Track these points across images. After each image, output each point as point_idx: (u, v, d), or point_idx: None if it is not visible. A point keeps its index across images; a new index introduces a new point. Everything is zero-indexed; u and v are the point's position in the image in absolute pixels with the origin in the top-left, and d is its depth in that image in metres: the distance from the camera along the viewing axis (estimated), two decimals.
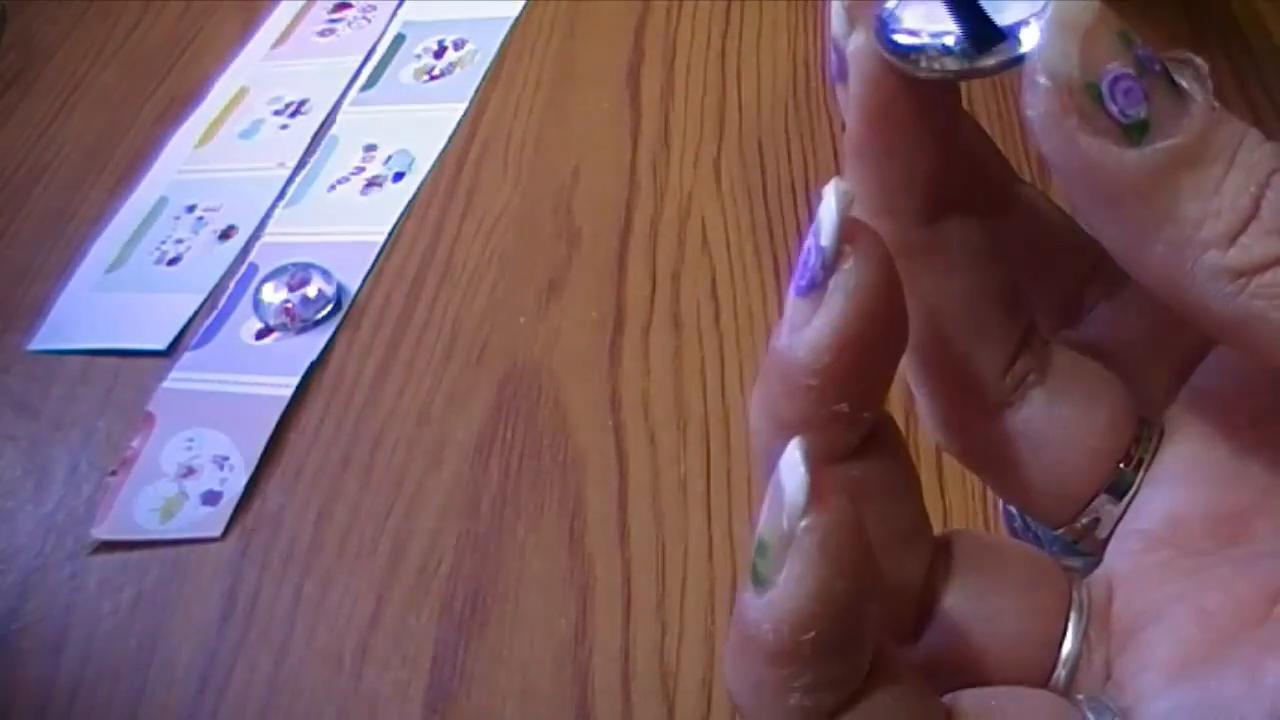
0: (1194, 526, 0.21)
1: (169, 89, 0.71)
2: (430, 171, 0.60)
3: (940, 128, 0.20)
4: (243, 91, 0.69)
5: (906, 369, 0.22)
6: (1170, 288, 0.18)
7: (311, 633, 0.42)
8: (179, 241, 0.60)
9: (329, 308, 0.54)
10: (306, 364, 0.52)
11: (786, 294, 0.19)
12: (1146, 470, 0.22)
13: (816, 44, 0.63)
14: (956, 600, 0.21)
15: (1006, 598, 0.22)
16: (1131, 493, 0.22)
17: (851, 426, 0.19)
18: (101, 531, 0.47)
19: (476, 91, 0.65)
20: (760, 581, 0.17)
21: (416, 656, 0.41)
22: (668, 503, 0.44)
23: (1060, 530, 0.23)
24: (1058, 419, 0.22)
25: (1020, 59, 0.18)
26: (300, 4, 0.75)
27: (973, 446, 0.23)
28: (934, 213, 0.21)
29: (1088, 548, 0.23)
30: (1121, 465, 0.22)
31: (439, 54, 0.68)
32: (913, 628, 0.21)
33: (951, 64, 0.18)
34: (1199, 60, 0.38)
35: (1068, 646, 0.21)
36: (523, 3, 0.70)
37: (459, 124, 0.63)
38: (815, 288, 0.19)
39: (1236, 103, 0.53)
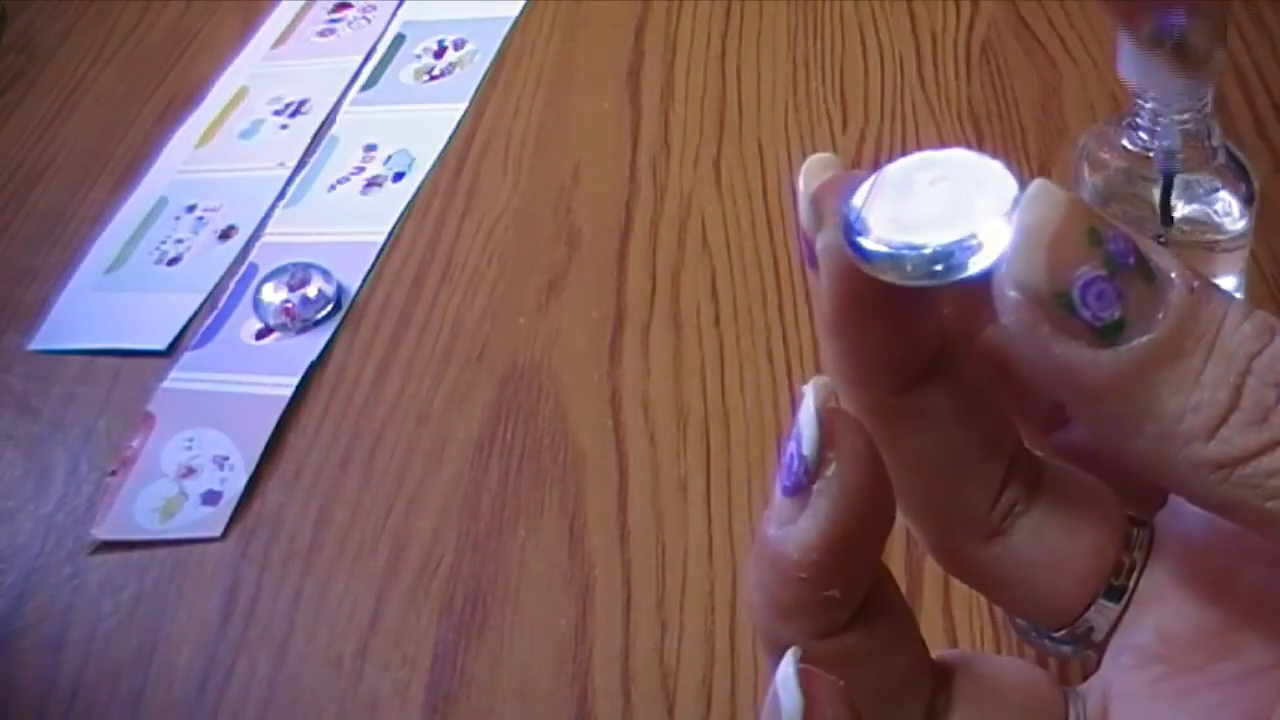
0: (1184, 642, 0.21)
1: (169, 89, 0.71)
2: (430, 171, 0.61)
3: (910, 311, 0.20)
4: (243, 91, 0.69)
5: (897, 505, 0.22)
6: (1156, 476, 0.18)
7: (311, 633, 0.42)
8: (179, 241, 0.60)
9: (329, 308, 0.54)
10: (306, 364, 0.52)
11: (774, 482, 0.20)
12: (1139, 576, 0.22)
13: (817, 44, 0.63)
14: None
15: None
16: (1125, 599, 0.22)
17: (844, 606, 0.20)
18: (101, 531, 0.47)
19: (476, 91, 0.65)
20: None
21: (416, 656, 0.41)
22: (668, 503, 0.44)
23: (1060, 633, 0.23)
24: (1044, 547, 0.22)
25: (989, 272, 0.17)
26: (300, 4, 0.75)
27: (965, 572, 0.23)
28: (909, 381, 0.21)
29: (1087, 647, 0.23)
30: (1112, 578, 0.22)
31: (439, 54, 0.68)
32: None
33: (915, 277, 0.18)
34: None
35: None
36: (523, 3, 0.70)
37: (459, 124, 0.63)
38: (800, 489, 0.19)
39: (1238, 103, 0.53)
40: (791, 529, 0.19)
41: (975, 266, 0.17)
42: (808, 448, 0.19)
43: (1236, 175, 0.38)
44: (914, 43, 0.61)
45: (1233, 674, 0.20)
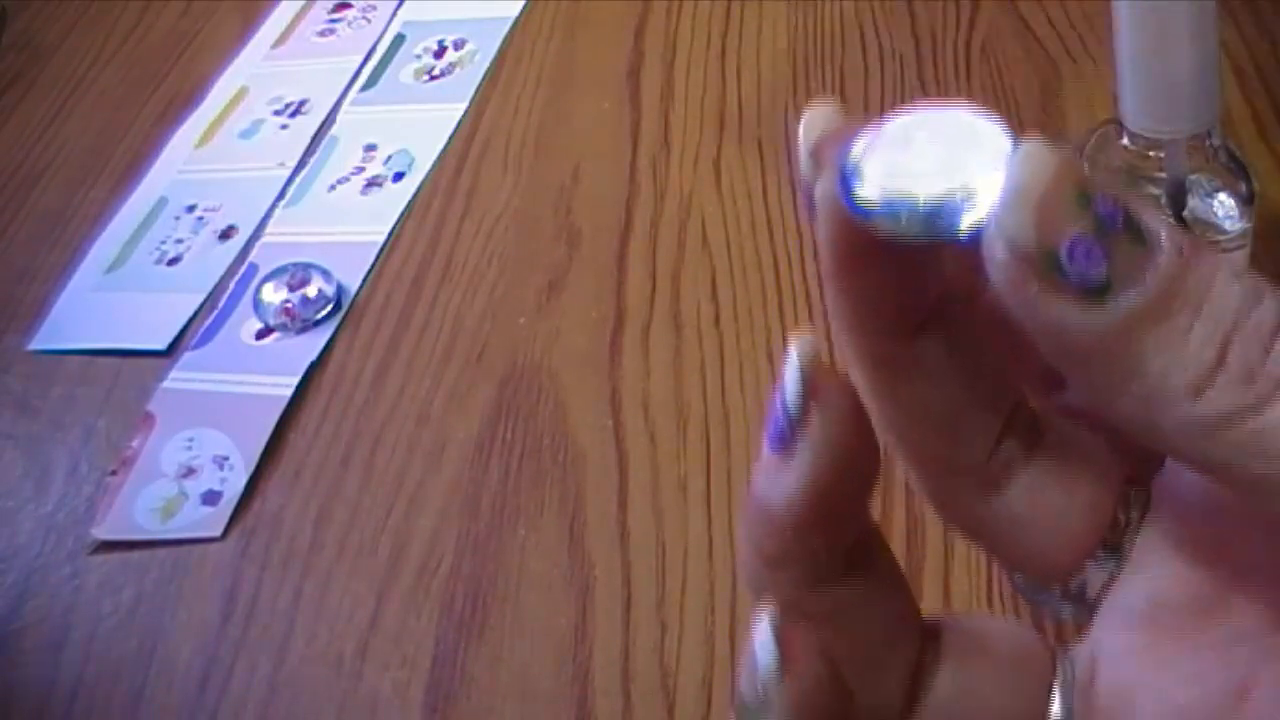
0: (1174, 604, 0.22)
1: (169, 89, 0.71)
2: (430, 171, 0.60)
3: (908, 262, 0.20)
4: (243, 91, 0.69)
5: (896, 456, 0.23)
6: (1144, 436, 0.18)
7: (311, 633, 0.42)
8: (179, 241, 0.60)
9: (329, 308, 0.54)
10: (306, 364, 0.52)
11: (763, 437, 0.21)
12: (1134, 536, 0.22)
13: (816, 44, 0.63)
14: (945, 687, 0.22)
15: (992, 681, 0.23)
16: (1118, 558, 0.22)
17: (830, 556, 0.21)
18: (101, 531, 0.47)
19: (476, 91, 0.65)
20: None
21: (416, 656, 0.41)
22: (668, 503, 0.44)
23: (1055, 591, 0.23)
24: (1040, 503, 0.23)
25: (979, 229, 0.17)
26: (300, 4, 0.75)
27: (964, 523, 0.24)
28: (908, 330, 0.22)
29: (1082, 604, 0.23)
30: (1107, 535, 0.23)
31: (439, 54, 0.68)
32: (904, 718, 0.22)
33: (906, 229, 0.18)
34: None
35: None
36: (523, 3, 0.70)
37: (459, 124, 0.63)
38: (785, 443, 0.20)
39: (1238, 103, 0.53)
40: (777, 481, 0.20)
41: (965, 222, 0.18)
42: (791, 402, 0.20)
43: (1236, 175, 0.38)
44: (914, 43, 0.61)
45: (1220, 639, 0.21)
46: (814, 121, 0.21)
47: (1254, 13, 0.57)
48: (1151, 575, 0.22)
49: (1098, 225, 0.17)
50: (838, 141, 0.20)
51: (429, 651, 0.41)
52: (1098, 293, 0.17)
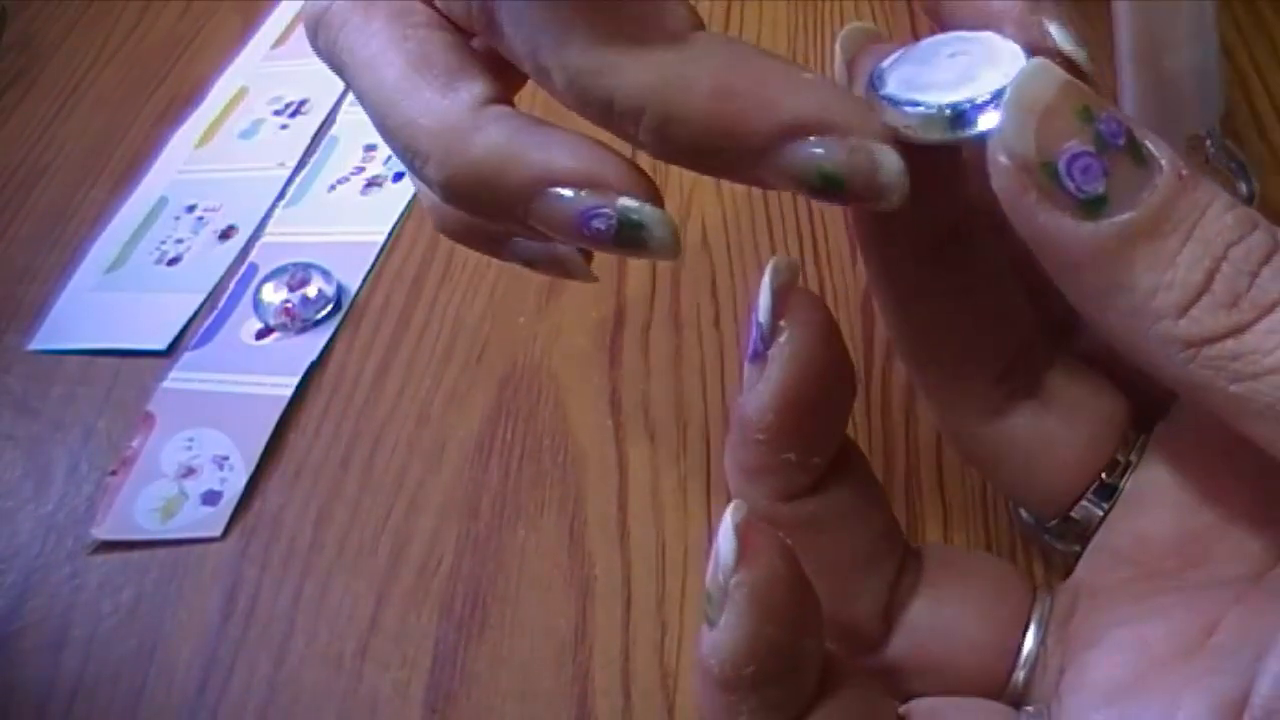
0: (1158, 547, 0.22)
1: (169, 89, 0.71)
2: None
3: (926, 177, 0.21)
4: (243, 91, 0.69)
5: (910, 375, 0.23)
6: (1127, 349, 0.19)
7: (311, 633, 0.42)
8: (179, 241, 0.60)
9: (329, 308, 0.54)
10: (306, 364, 0.52)
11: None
12: (1130, 477, 0.23)
13: (817, 44, 0.63)
14: (921, 610, 0.24)
15: (968, 607, 0.23)
16: (1113, 497, 0.23)
17: (803, 471, 0.22)
18: (101, 531, 0.47)
19: None
20: (709, 622, 0.19)
21: (416, 656, 0.41)
22: (668, 503, 0.44)
23: (1051, 523, 0.24)
24: (1042, 431, 0.23)
25: (984, 135, 0.18)
26: (300, 4, 0.75)
27: (968, 446, 0.24)
28: (927, 249, 0.22)
29: (1076, 541, 0.24)
30: (1105, 474, 0.23)
31: None
32: (880, 636, 0.23)
33: (929, 133, 0.20)
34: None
35: (1025, 654, 0.23)
36: None
37: None
38: (759, 356, 0.21)
39: (1238, 103, 0.53)
40: (751, 392, 0.21)
41: (980, 127, 0.19)
42: (763, 315, 0.21)
43: (1236, 175, 0.38)
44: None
45: (1198, 581, 0.21)
46: (851, 36, 0.22)
47: (1254, 13, 0.57)
48: (1140, 517, 0.23)
49: (1099, 142, 0.17)
50: (871, 56, 0.21)
51: (429, 651, 0.41)
52: (1093, 207, 0.17)
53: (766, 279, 0.21)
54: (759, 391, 0.21)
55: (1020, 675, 0.23)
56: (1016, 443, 0.23)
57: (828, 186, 0.19)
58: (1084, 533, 0.24)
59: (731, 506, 0.20)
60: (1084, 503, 0.23)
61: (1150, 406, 0.24)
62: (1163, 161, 0.17)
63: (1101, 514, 0.23)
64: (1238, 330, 0.17)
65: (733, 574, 0.19)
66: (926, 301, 0.23)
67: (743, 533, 0.19)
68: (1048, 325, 0.24)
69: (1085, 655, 0.21)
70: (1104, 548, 0.23)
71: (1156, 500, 0.22)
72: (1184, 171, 0.17)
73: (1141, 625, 0.21)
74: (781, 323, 0.21)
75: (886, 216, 0.21)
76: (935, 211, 0.22)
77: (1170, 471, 0.23)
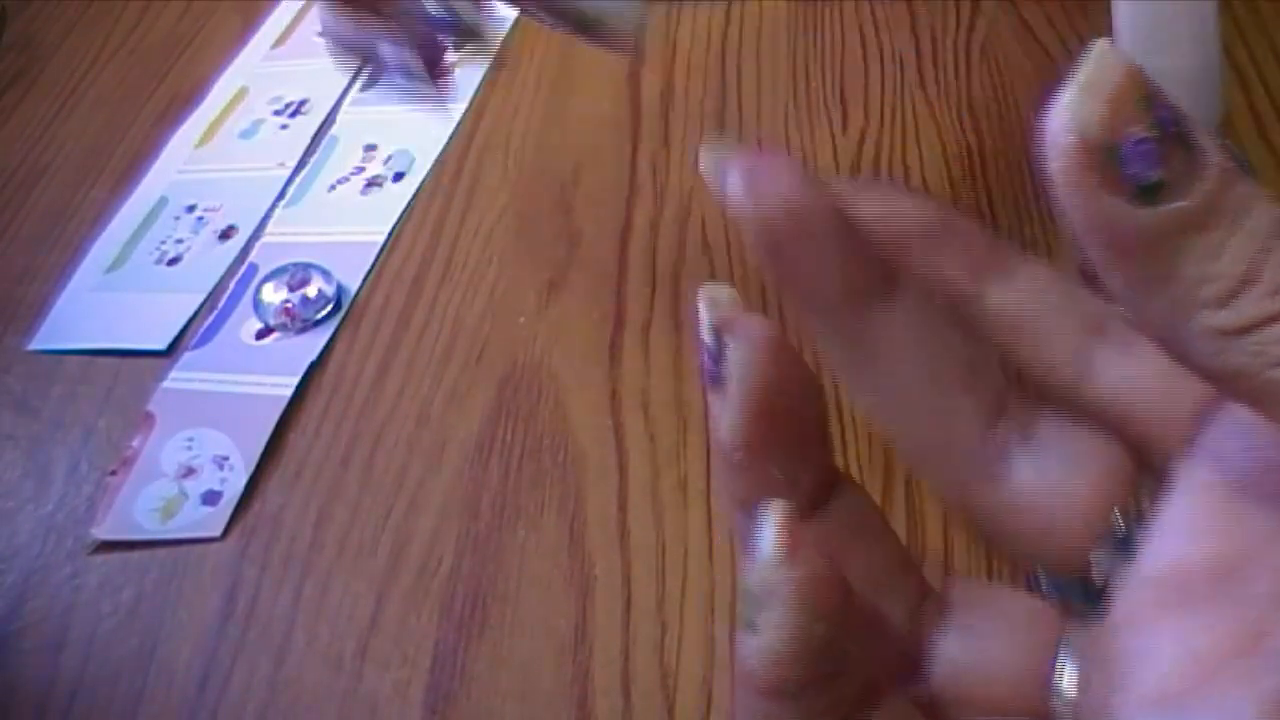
0: (1196, 572, 0.22)
1: (169, 89, 0.71)
2: (430, 171, 0.60)
3: (831, 238, 0.21)
4: (243, 91, 0.69)
5: (898, 448, 0.23)
6: (1166, 340, 0.19)
7: (311, 633, 0.42)
8: (179, 241, 0.60)
9: (329, 308, 0.54)
10: (306, 364, 0.52)
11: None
12: (1148, 520, 0.23)
13: (816, 44, 0.63)
14: (952, 641, 0.23)
15: (999, 638, 0.23)
16: (1126, 546, 0.23)
17: (793, 491, 0.22)
18: (101, 531, 0.47)
19: (477, 91, 0.65)
20: (748, 625, 0.19)
21: (416, 656, 0.41)
22: (668, 503, 0.44)
23: (1062, 579, 0.24)
24: (1040, 488, 0.23)
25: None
26: (300, 4, 0.75)
27: (965, 510, 0.24)
28: (860, 303, 0.23)
29: (1091, 594, 0.24)
30: (1113, 520, 0.23)
31: None
32: (903, 665, 0.23)
33: None
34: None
35: (1063, 685, 0.22)
36: None
37: (459, 124, 0.63)
38: (715, 379, 0.21)
39: (1238, 103, 0.53)
40: (721, 417, 0.21)
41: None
42: (706, 335, 0.21)
43: None
44: (914, 43, 0.61)
45: (1238, 600, 0.21)
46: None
47: (1254, 13, 0.57)
48: (1173, 545, 0.22)
49: (1158, 128, 0.17)
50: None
51: (429, 651, 0.41)
52: (1150, 193, 0.17)
53: (701, 304, 0.21)
54: (726, 408, 0.21)
55: (1060, 701, 0.23)
56: (1015, 500, 0.23)
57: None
58: (1097, 585, 0.24)
59: (773, 504, 0.20)
60: (1093, 554, 0.23)
61: (1148, 446, 0.24)
62: (1210, 152, 0.18)
63: (1112, 565, 0.23)
64: (1278, 316, 0.17)
65: (778, 570, 0.19)
66: (878, 360, 0.23)
67: (786, 529, 0.19)
68: (1051, 373, 0.24)
69: (1130, 673, 0.21)
70: (1138, 579, 0.23)
71: (1191, 527, 0.22)
72: (1228, 164, 0.18)
73: (1187, 637, 0.21)
74: (726, 339, 0.21)
75: (803, 277, 0.21)
76: (854, 265, 0.22)
77: (1205, 496, 0.23)
